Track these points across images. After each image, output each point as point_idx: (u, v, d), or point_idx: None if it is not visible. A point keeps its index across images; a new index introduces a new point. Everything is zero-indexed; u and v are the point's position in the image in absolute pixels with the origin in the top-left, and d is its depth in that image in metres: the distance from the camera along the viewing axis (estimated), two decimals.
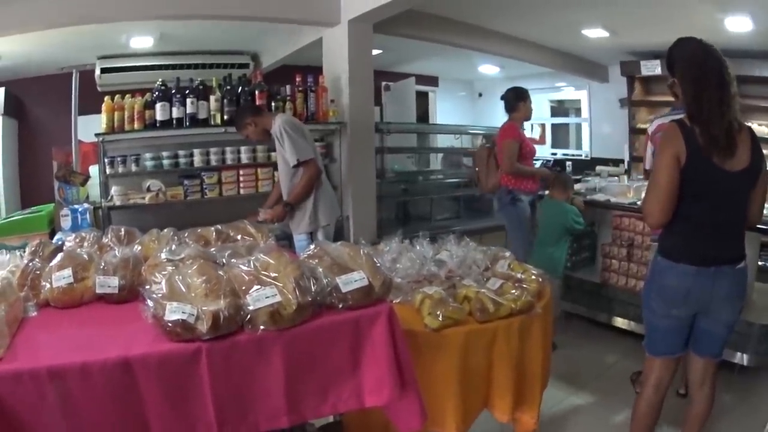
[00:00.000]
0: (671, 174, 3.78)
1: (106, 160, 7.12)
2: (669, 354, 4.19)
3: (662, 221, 3.92)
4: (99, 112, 7.19)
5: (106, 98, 7.17)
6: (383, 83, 13.95)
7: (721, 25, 9.02)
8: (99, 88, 10.14)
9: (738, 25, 9.04)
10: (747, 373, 6.25)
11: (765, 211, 4.21)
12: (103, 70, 10.58)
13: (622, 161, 12.39)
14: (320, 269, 3.07)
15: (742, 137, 3.78)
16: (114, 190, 7.10)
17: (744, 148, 3.77)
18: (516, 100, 7.68)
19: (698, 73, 3.79)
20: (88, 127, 7.46)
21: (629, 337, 7.22)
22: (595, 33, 10.90)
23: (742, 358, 6.19)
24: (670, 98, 4.49)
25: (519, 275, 4.27)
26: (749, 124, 3.98)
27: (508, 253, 4.72)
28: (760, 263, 7.66)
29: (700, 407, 4.25)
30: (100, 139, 7.07)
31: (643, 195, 4.26)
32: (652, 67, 11.99)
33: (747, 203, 3.93)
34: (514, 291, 3.97)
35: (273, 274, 2.89)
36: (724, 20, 8.91)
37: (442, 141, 13.78)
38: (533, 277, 4.23)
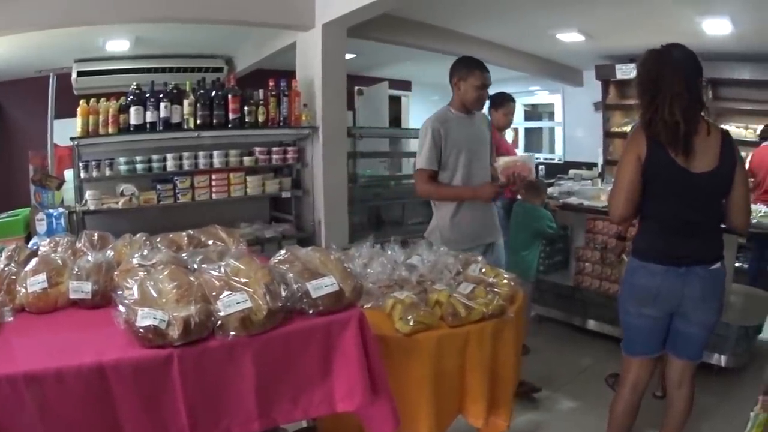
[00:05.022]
0: (632, 170, 3.93)
1: (80, 164, 7.06)
2: (646, 354, 4.26)
3: (624, 215, 4.07)
4: (76, 115, 7.14)
5: (82, 102, 7.10)
6: (356, 87, 13.87)
7: (699, 28, 9.10)
8: (75, 92, 10.07)
9: (716, 27, 9.13)
10: (726, 374, 6.35)
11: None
12: (80, 74, 10.55)
13: (596, 165, 12.48)
14: (290, 275, 3.08)
15: (710, 140, 3.85)
16: (88, 194, 7.05)
17: (711, 150, 3.85)
18: (496, 105, 7.82)
19: (650, 85, 3.90)
20: (65, 131, 7.39)
21: (603, 339, 7.31)
22: (570, 37, 10.97)
23: (719, 359, 6.32)
24: None
25: (491, 279, 4.26)
26: (727, 126, 4.05)
27: (480, 257, 4.72)
28: (737, 264, 7.77)
29: (679, 408, 4.30)
30: (75, 143, 7.03)
31: None
32: (628, 71, 12.04)
33: (720, 205, 4.00)
34: (486, 295, 3.96)
35: (243, 280, 2.90)
36: (702, 23, 8.99)
37: (415, 145, 13.70)
38: (505, 281, 4.22)
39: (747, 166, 9.57)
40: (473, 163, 5.74)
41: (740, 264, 9.40)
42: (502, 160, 5.71)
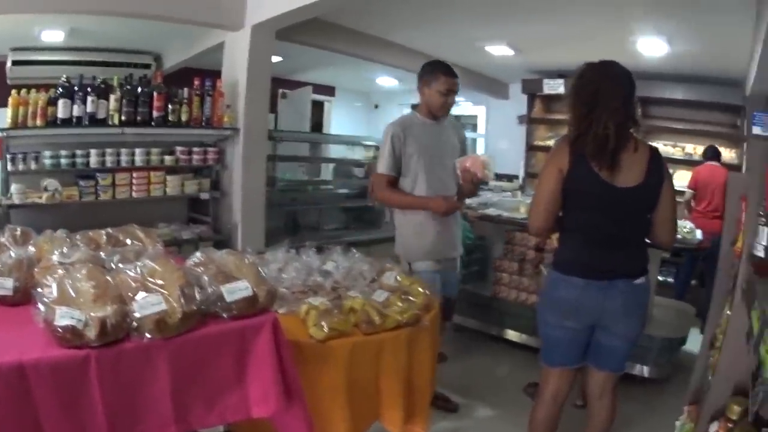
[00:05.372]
0: (552, 183, 3.93)
1: (8, 156, 6.97)
2: (565, 365, 4.27)
3: (542, 227, 4.10)
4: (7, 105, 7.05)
5: (13, 92, 7.03)
6: (280, 90, 13.94)
7: (634, 47, 9.21)
8: (8, 81, 9.92)
9: (652, 47, 9.28)
10: (649, 385, 6.51)
11: None
12: (15, 63, 10.41)
13: (517, 177, 12.60)
14: (205, 277, 3.11)
15: (636, 157, 3.87)
16: (14, 188, 6.97)
17: (637, 166, 3.86)
18: None
19: (587, 98, 3.88)
20: None
21: (521, 349, 7.43)
22: (499, 50, 11.04)
23: (642, 370, 6.51)
24: None
25: (406, 287, 4.29)
26: (655, 143, 4.11)
27: (395, 265, 4.79)
28: (660, 278, 7.94)
29: (601, 418, 4.33)
30: (4, 134, 6.95)
31: None
32: (555, 86, 12.15)
33: (645, 220, 4.02)
34: (400, 303, 4.00)
35: (159, 281, 2.92)
36: (637, 43, 9.10)
37: (335, 151, 13.92)
38: (420, 290, 4.26)
39: (688, 182, 9.96)
40: (436, 170, 5.59)
41: (663, 278, 9.61)
42: (462, 158, 5.58)
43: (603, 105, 3.81)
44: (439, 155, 5.64)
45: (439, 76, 5.57)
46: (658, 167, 3.94)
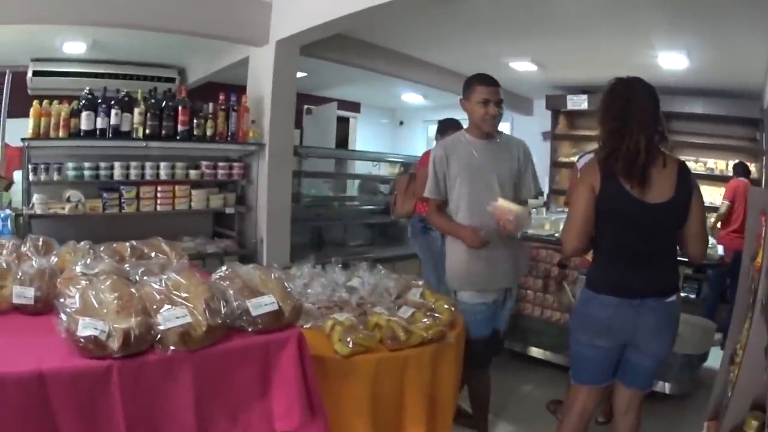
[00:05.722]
0: (585, 202, 3.89)
1: (30, 167, 6.95)
2: (594, 383, 4.23)
3: (577, 247, 4.02)
4: (29, 115, 6.99)
5: (35, 102, 7.01)
6: (305, 106, 13.91)
7: (655, 62, 9.17)
8: (30, 91, 9.88)
9: (673, 62, 9.23)
10: (670, 401, 6.45)
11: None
12: (36, 73, 10.37)
13: (542, 193, 12.54)
14: (231, 292, 3.10)
15: (666, 172, 3.85)
16: (36, 198, 6.94)
17: (667, 181, 3.84)
18: (441, 132, 7.34)
19: (618, 113, 3.85)
20: (18, 131, 7.29)
21: (544, 366, 7.39)
22: (523, 66, 11.03)
23: (664, 387, 6.43)
24: (595, 132, 4.37)
25: (431, 304, 4.30)
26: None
27: (420, 282, 4.77)
28: (682, 294, 7.91)
29: None
30: (26, 144, 6.93)
31: (560, 227, 4.31)
32: (579, 102, 12.12)
33: (675, 236, 3.99)
34: (425, 320, 4.00)
35: (184, 294, 2.92)
36: (658, 57, 9.07)
37: (360, 167, 13.76)
38: (445, 306, 4.27)
39: (725, 193, 9.98)
40: (480, 196, 4.97)
41: (685, 294, 9.54)
42: (500, 202, 5.18)
43: (633, 119, 3.78)
44: (486, 179, 5.09)
45: (475, 86, 5.05)
46: (687, 181, 3.92)
